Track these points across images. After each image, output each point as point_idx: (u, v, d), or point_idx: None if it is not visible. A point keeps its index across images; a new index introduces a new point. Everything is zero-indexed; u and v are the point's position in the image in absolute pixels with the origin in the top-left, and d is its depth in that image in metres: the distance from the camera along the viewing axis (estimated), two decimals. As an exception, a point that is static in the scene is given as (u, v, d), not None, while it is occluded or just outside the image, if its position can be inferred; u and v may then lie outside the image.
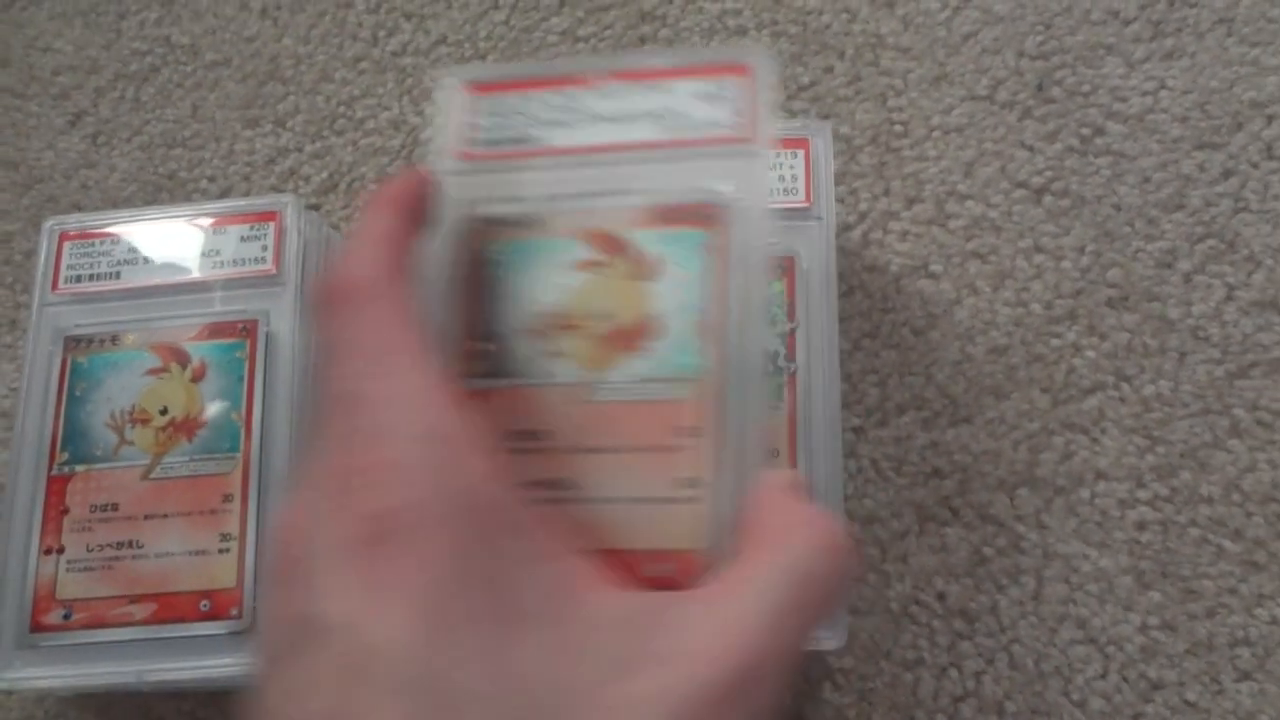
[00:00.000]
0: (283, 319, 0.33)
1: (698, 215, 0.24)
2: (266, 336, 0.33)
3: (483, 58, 0.42)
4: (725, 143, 0.24)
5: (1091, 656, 0.32)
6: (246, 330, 0.33)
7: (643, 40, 0.42)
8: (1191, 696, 0.32)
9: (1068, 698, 0.32)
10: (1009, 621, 0.33)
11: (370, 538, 0.18)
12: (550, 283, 0.24)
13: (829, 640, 0.28)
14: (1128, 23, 0.39)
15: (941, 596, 0.33)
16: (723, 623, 0.18)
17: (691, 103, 0.24)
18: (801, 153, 0.33)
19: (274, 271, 0.34)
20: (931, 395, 0.35)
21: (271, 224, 0.34)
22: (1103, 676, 0.32)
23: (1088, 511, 0.34)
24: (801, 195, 0.32)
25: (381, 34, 0.44)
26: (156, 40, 0.45)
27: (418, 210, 0.24)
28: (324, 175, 0.41)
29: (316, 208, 0.41)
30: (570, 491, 0.22)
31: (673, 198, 0.24)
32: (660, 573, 0.21)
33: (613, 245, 0.24)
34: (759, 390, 0.22)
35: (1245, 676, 0.32)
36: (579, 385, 0.23)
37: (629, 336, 0.23)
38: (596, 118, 0.25)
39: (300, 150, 0.42)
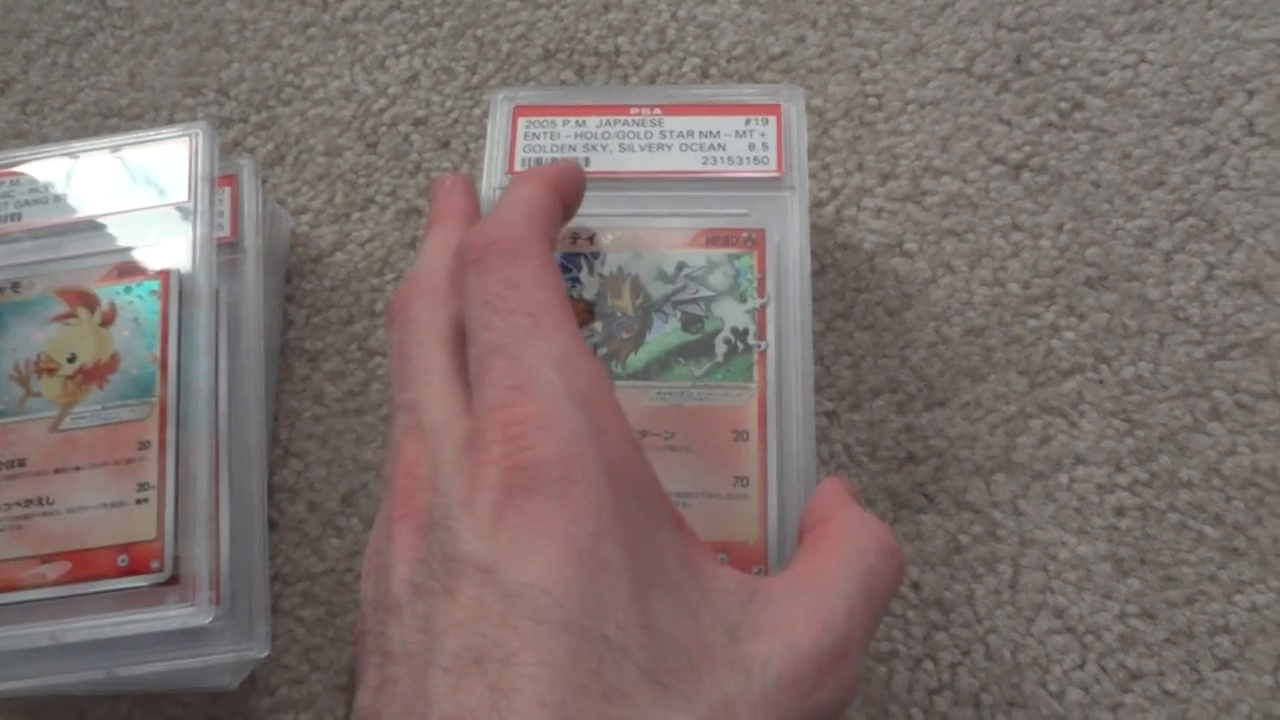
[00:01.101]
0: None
1: None
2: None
3: (438, 25, 0.40)
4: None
5: (1069, 646, 0.31)
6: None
7: (606, 8, 0.40)
8: (1171, 686, 0.31)
9: (1045, 688, 0.31)
10: (985, 611, 0.32)
11: (519, 487, 0.19)
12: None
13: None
14: (1107, -6, 0.38)
15: (916, 586, 0.32)
16: (812, 606, 0.21)
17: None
18: (773, 119, 0.31)
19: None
20: (906, 378, 0.34)
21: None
22: (1081, 666, 0.31)
23: (1066, 497, 0.33)
24: (773, 164, 0.30)
25: (331, -2, 0.41)
26: (91, 3, 0.42)
27: (569, 199, 0.26)
28: (270, 147, 0.39)
29: (263, 181, 0.38)
30: (45, 507, 0.29)
31: None
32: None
33: (82, 299, 0.31)
34: (205, 407, 0.29)
35: (1225, 665, 0.31)
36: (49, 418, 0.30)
37: (94, 373, 0.30)
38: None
39: (245, 120, 0.40)
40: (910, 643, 0.31)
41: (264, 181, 0.38)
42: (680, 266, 0.29)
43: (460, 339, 0.23)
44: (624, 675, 0.18)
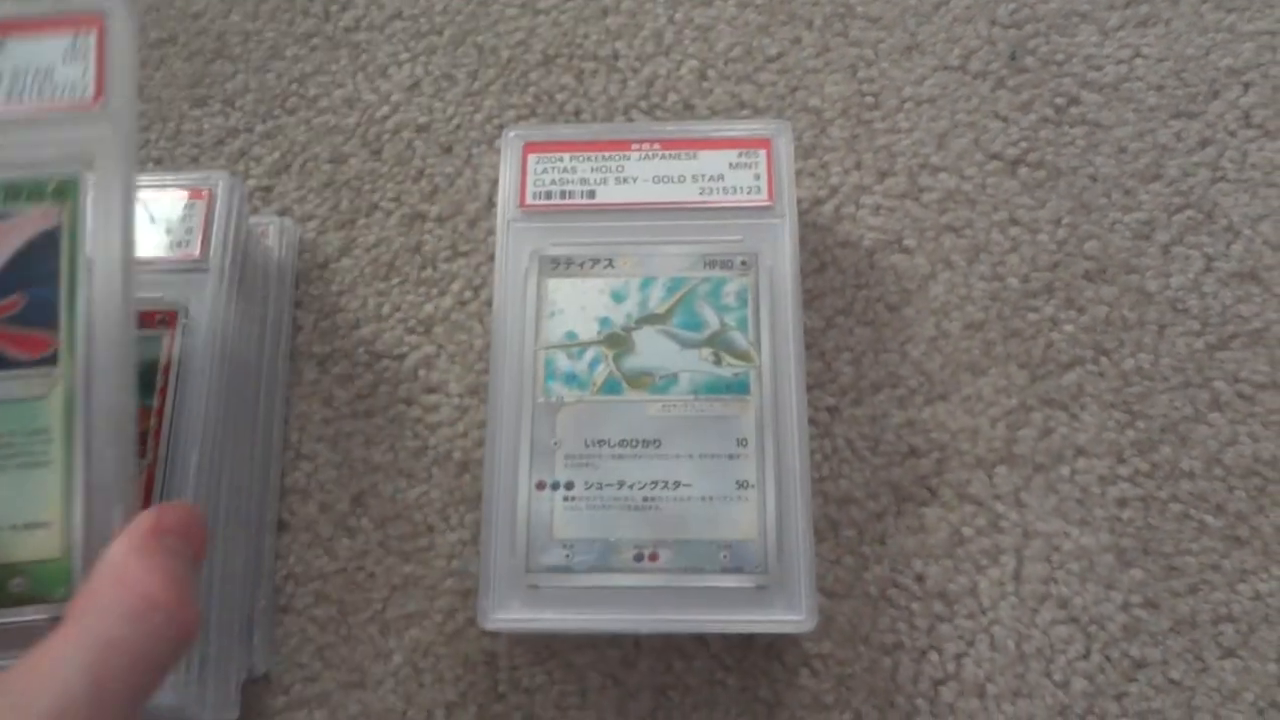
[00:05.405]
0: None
1: None
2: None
3: (439, 33, 0.41)
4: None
5: (1073, 636, 0.31)
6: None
7: (604, 13, 0.40)
8: (1175, 675, 0.31)
9: (1050, 679, 0.31)
10: (989, 602, 0.32)
11: None
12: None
13: (797, 624, 0.27)
14: (1101, -11, 0.39)
15: (920, 578, 0.32)
16: (32, 694, 0.18)
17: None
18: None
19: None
20: (907, 372, 0.34)
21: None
22: (1085, 656, 0.31)
23: (1068, 489, 0.33)
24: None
25: (334, 9, 0.42)
26: (98, 18, 0.43)
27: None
28: (275, 156, 0.40)
29: (269, 189, 0.39)
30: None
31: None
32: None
33: None
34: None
35: (1229, 653, 0.31)
36: None
37: None
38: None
39: (250, 130, 0.40)
40: (915, 634, 0.32)
41: (270, 189, 0.39)
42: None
43: None
44: None
